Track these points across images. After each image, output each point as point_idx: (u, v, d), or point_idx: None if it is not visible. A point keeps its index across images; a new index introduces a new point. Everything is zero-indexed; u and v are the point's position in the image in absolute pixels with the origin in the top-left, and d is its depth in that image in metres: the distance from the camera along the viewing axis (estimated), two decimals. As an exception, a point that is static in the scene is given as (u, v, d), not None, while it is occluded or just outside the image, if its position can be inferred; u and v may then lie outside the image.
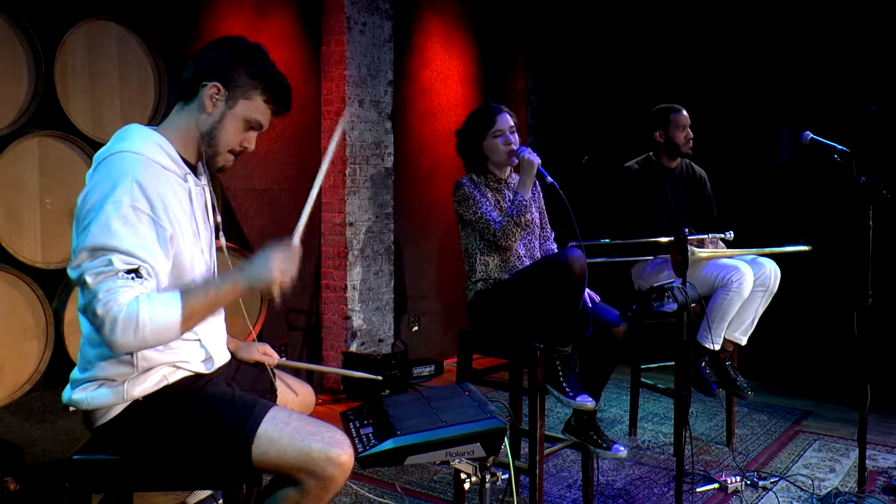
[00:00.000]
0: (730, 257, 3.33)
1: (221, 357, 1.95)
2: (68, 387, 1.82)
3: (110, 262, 1.61)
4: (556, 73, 6.19)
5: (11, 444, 3.01)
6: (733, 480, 3.14)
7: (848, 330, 2.93)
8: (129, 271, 1.62)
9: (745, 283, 3.24)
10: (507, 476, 2.11)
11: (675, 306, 2.39)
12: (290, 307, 4.54)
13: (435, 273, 5.44)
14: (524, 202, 2.80)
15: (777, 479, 3.25)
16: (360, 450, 1.77)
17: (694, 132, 3.57)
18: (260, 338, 2.27)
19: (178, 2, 3.83)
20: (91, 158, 1.81)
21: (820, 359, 4.92)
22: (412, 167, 5.21)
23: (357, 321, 4.67)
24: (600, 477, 3.23)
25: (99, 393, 1.76)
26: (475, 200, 2.82)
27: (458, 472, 2.00)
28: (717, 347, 3.37)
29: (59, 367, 3.07)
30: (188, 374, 1.83)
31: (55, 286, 3.16)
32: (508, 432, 1.89)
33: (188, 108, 1.86)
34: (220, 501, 2.25)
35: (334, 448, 1.70)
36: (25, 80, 3.06)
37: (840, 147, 2.89)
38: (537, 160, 2.81)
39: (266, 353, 2.12)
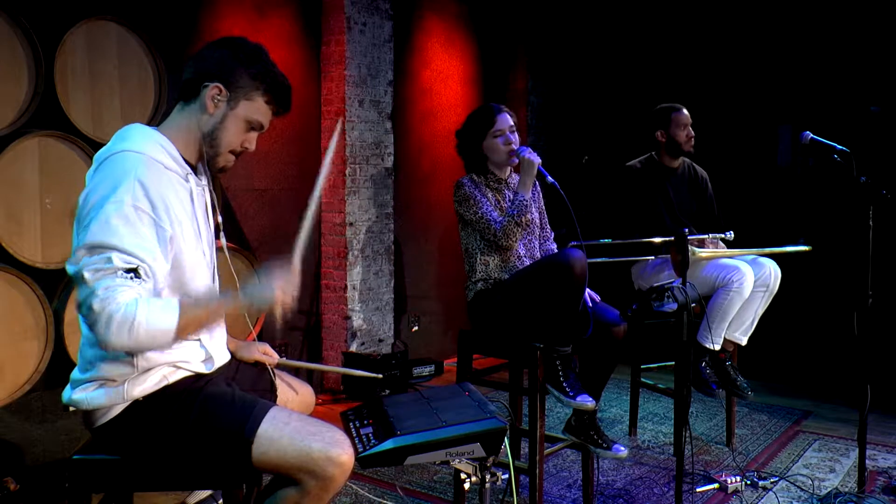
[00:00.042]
0: (730, 257, 3.33)
1: (221, 357, 1.95)
2: (68, 387, 1.82)
3: (110, 260, 1.61)
4: (556, 73, 6.19)
5: (11, 444, 3.01)
6: (733, 480, 3.14)
7: (848, 330, 2.93)
8: (127, 270, 1.62)
9: (746, 284, 3.24)
10: (507, 476, 2.11)
11: (675, 306, 2.39)
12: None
13: (435, 273, 5.44)
14: (525, 202, 2.80)
15: (777, 479, 3.25)
16: (360, 450, 1.77)
17: (694, 132, 3.57)
18: (260, 338, 2.27)
19: (178, 2, 3.83)
20: (91, 158, 1.81)
21: (820, 359, 4.92)
22: (412, 167, 5.21)
23: (357, 321, 4.67)
24: (600, 477, 3.23)
25: (99, 393, 1.76)
26: (476, 200, 2.82)
27: (458, 472, 2.00)
28: (718, 347, 3.37)
29: (59, 367, 3.07)
30: (188, 374, 1.83)
31: (55, 286, 3.16)
32: (508, 432, 1.89)
33: (189, 109, 1.86)
34: (220, 501, 2.25)
35: (334, 448, 1.70)
36: (25, 80, 3.06)
37: (840, 147, 2.89)
38: (538, 160, 2.80)
39: (266, 353, 2.13)
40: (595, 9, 5.95)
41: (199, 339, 1.87)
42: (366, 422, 1.90)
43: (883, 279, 3.63)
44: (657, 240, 3.33)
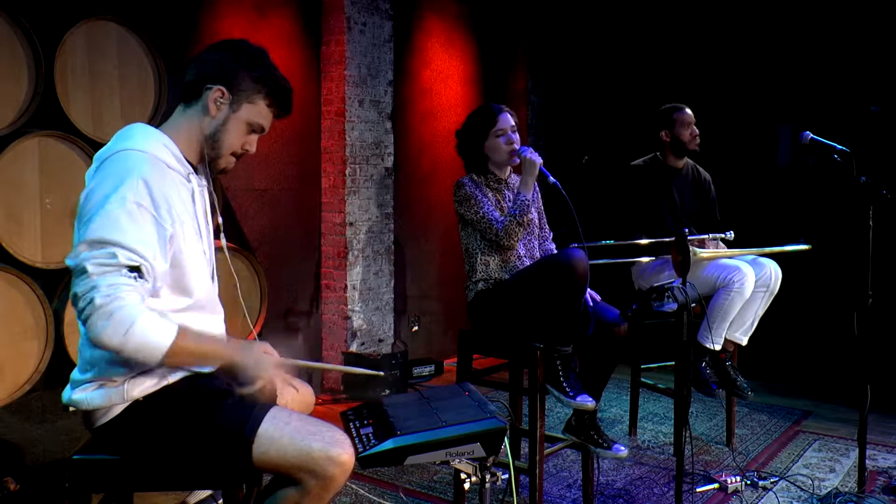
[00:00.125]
0: (731, 257, 3.33)
1: (221, 357, 1.95)
2: (68, 387, 1.82)
3: (114, 255, 1.62)
4: (556, 73, 6.19)
5: (11, 444, 3.01)
6: (733, 480, 3.14)
7: (848, 330, 2.93)
8: (131, 268, 1.63)
9: (747, 284, 3.24)
10: (507, 476, 2.11)
11: (675, 306, 2.39)
12: (289, 308, 4.54)
13: (435, 273, 5.44)
14: (527, 202, 2.80)
15: (777, 479, 3.25)
16: (360, 450, 1.77)
17: (698, 130, 3.56)
18: (260, 338, 2.27)
19: (178, 2, 3.83)
20: (91, 158, 1.81)
21: (820, 359, 4.92)
22: (412, 167, 5.21)
23: (357, 321, 4.67)
24: (600, 477, 3.23)
25: (99, 393, 1.76)
26: (477, 200, 2.82)
27: (458, 472, 2.00)
28: (718, 347, 3.37)
29: (59, 367, 3.07)
30: (188, 373, 1.83)
31: (55, 286, 3.16)
32: (508, 432, 1.89)
33: (191, 111, 1.87)
34: (220, 501, 2.25)
35: (335, 447, 1.70)
36: (25, 80, 3.06)
37: (840, 147, 2.89)
38: (539, 160, 2.80)
39: (266, 352, 2.12)
40: (595, 9, 5.95)
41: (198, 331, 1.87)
42: (366, 422, 1.90)
43: (883, 279, 3.63)
44: (646, 241, 3.33)
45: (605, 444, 2.78)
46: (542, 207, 3.13)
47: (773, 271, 3.35)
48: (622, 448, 2.77)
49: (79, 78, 3.19)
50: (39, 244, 3.07)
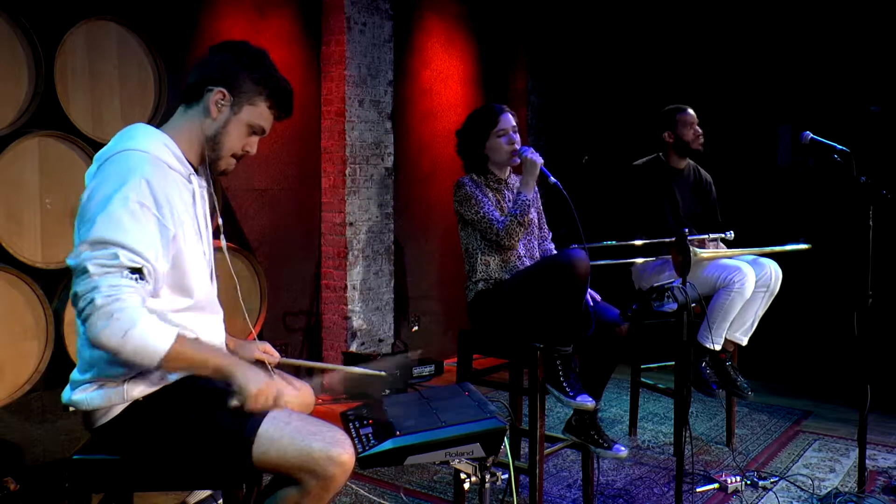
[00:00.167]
0: (731, 257, 3.33)
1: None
2: (68, 387, 1.82)
3: (116, 256, 1.62)
4: (556, 73, 6.19)
5: (11, 444, 3.01)
6: (733, 480, 3.14)
7: (848, 330, 2.93)
8: (133, 270, 1.63)
9: (747, 284, 3.24)
10: (507, 476, 2.11)
11: (675, 306, 2.39)
12: (289, 308, 4.54)
13: (435, 273, 5.44)
14: (527, 202, 2.80)
15: (777, 479, 3.25)
16: (360, 450, 1.77)
17: (701, 130, 3.56)
18: (260, 338, 2.27)
19: (178, 2, 3.83)
20: (91, 158, 1.81)
21: (820, 359, 4.92)
22: (412, 167, 5.21)
23: (357, 321, 4.67)
24: (600, 477, 3.23)
25: (98, 393, 1.76)
26: (477, 200, 2.82)
27: (458, 472, 2.00)
28: (718, 348, 3.37)
29: (59, 367, 3.07)
30: (187, 374, 1.83)
31: (55, 286, 3.16)
32: (508, 432, 1.89)
33: (192, 112, 1.87)
34: (220, 501, 2.24)
35: (335, 447, 1.70)
36: (25, 80, 3.06)
37: (840, 147, 2.89)
38: (540, 160, 2.81)
39: (266, 352, 2.13)
40: (595, 9, 5.95)
41: (196, 339, 1.86)
42: (366, 422, 1.90)
43: (883, 279, 3.63)
44: (645, 242, 3.33)
45: (605, 445, 2.78)
46: (541, 208, 3.13)
47: (774, 271, 3.35)
48: (622, 448, 2.77)
49: (79, 78, 3.19)
50: (39, 244, 3.07)
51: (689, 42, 5.54)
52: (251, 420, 1.73)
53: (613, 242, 3.34)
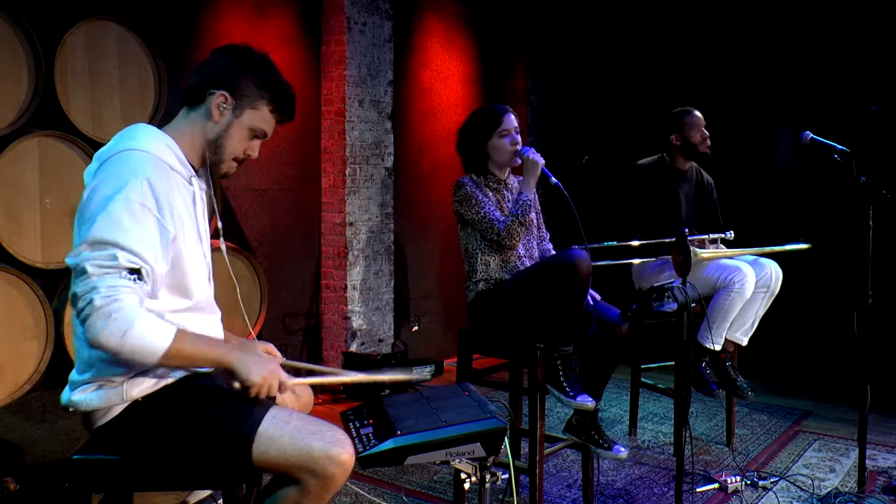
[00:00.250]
0: (731, 258, 3.33)
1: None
2: (67, 388, 1.82)
3: (115, 257, 1.62)
4: (556, 73, 6.19)
5: (11, 444, 3.01)
6: (733, 480, 3.14)
7: (848, 330, 2.93)
8: (131, 271, 1.63)
9: (748, 284, 3.24)
10: (507, 476, 2.11)
11: (675, 306, 2.39)
12: (289, 308, 4.54)
13: (435, 273, 5.44)
14: (528, 202, 2.80)
15: (777, 479, 3.25)
16: (360, 450, 1.77)
17: (708, 132, 3.55)
18: (259, 338, 2.27)
19: (178, 2, 3.83)
20: (91, 158, 1.81)
21: (820, 359, 4.92)
22: (412, 167, 5.21)
23: (357, 321, 4.67)
24: (600, 477, 3.23)
25: (98, 394, 1.76)
26: (478, 200, 2.82)
27: (458, 472, 2.00)
28: (718, 348, 3.37)
29: (59, 367, 3.07)
30: (187, 373, 1.83)
31: (55, 286, 3.16)
32: (508, 432, 1.89)
33: (194, 115, 1.87)
34: (220, 501, 2.24)
35: (335, 447, 1.70)
36: (25, 80, 3.06)
37: (840, 147, 2.89)
38: (541, 161, 2.81)
39: (268, 352, 2.12)
40: (595, 9, 5.95)
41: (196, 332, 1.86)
42: (366, 422, 1.90)
43: (883, 279, 3.63)
44: (645, 242, 3.33)
45: (605, 445, 2.78)
46: (540, 208, 3.13)
47: (774, 272, 3.35)
48: (622, 449, 2.77)
49: (79, 78, 3.19)
50: (39, 244, 3.07)
51: (689, 42, 5.54)
52: (251, 420, 1.73)
53: (614, 243, 3.34)
